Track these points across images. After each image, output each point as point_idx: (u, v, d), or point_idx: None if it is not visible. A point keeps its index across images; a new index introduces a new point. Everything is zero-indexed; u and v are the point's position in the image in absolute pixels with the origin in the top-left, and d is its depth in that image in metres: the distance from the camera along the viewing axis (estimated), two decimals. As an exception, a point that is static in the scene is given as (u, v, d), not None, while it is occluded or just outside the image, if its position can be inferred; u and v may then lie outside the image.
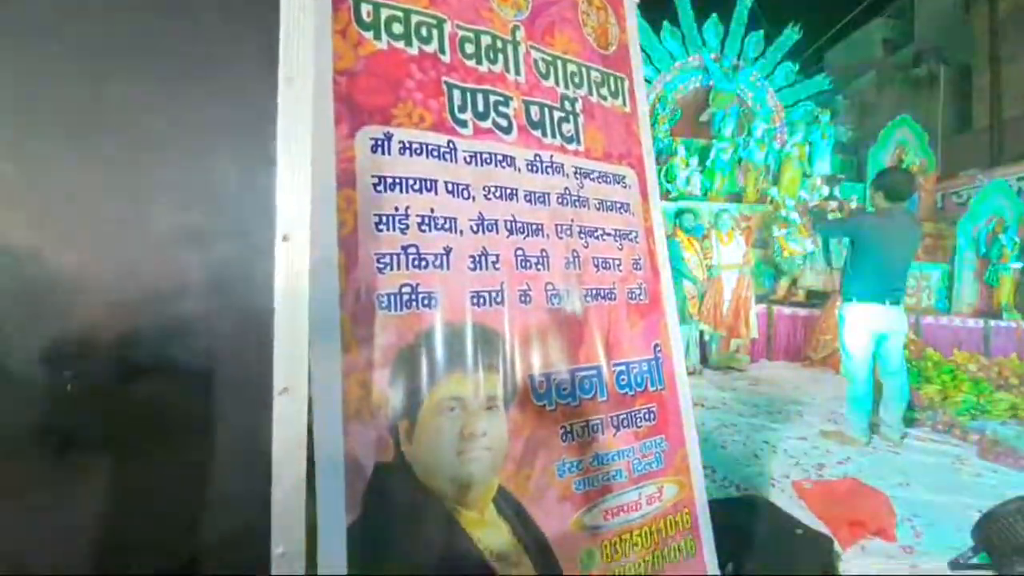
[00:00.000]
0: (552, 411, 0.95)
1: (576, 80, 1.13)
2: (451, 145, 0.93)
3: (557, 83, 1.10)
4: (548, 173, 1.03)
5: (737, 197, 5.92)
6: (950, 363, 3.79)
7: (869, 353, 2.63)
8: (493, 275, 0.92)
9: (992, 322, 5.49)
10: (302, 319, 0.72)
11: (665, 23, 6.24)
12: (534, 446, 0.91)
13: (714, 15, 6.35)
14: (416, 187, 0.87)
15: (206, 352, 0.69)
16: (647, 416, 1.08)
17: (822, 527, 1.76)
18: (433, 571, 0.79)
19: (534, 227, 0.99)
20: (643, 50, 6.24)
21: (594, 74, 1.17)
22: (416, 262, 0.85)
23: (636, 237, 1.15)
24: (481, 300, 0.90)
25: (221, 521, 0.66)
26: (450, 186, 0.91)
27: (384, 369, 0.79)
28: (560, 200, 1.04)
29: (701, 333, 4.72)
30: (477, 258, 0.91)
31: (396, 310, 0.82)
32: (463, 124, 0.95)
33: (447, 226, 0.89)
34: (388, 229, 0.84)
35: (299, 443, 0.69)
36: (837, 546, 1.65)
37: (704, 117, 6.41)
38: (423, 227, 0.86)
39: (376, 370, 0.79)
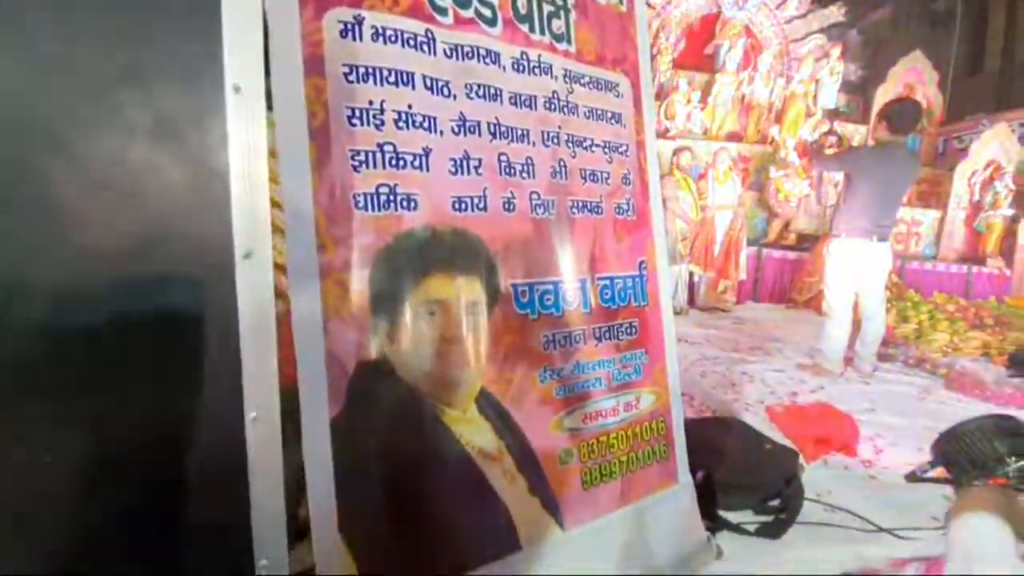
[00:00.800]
0: (535, 320, 0.95)
1: (569, -28, 1.03)
2: (429, 35, 0.86)
3: (548, -27, 1.00)
4: (535, 74, 0.97)
5: (737, 136, 5.74)
6: (929, 303, 3.89)
7: (853, 288, 2.68)
8: (475, 180, 0.89)
9: (975, 268, 5.60)
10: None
11: (674, -61, 5.72)
12: (516, 352, 0.92)
13: (727, -69, 5.82)
14: (391, 79, 0.82)
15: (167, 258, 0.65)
16: (629, 330, 1.10)
17: (790, 444, 1.87)
18: (417, 463, 0.82)
19: (519, 132, 0.94)
20: (649, -30, 5.74)
21: (589, -34, 1.07)
22: (393, 161, 0.81)
23: (626, 151, 1.11)
24: (463, 205, 0.87)
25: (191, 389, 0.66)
26: (428, 81, 0.85)
27: (363, 269, 0.78)
28: (548, 105, 0.99)
29: (691, 274, 4.76)
30: (459, 161, 0.87)
31: (374, 210, 0.79)
32: (442, 11, 0.87)
33: (426, 125, 0.84)
34: (362, 124, 0.79)
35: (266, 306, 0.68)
36: (802, 460, 1.75)
37: (709, 49, 6.06)
38: (400, 124, 0.81)
39: (355, 270, 0.77)
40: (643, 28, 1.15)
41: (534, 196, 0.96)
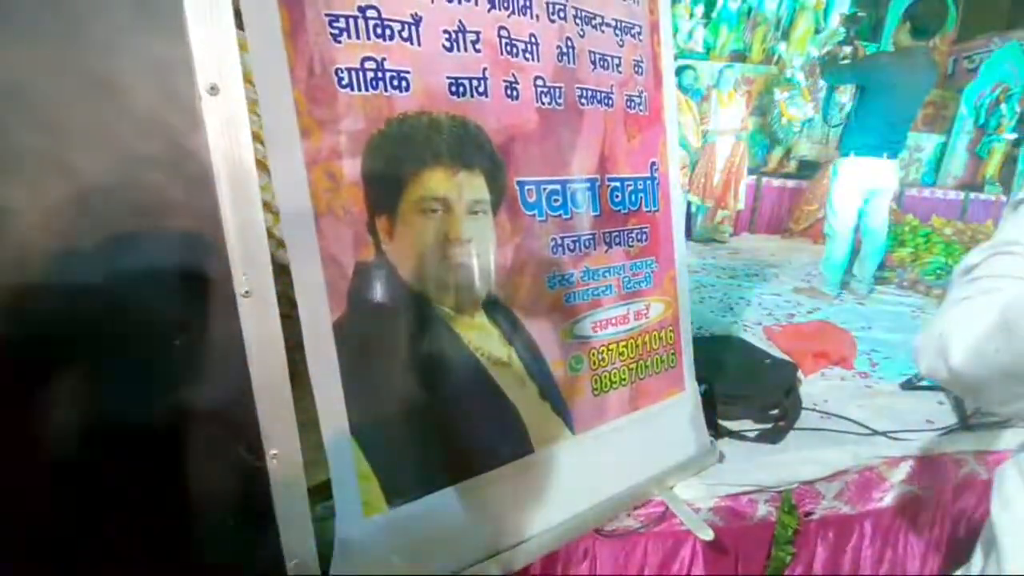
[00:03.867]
0: (543, 222, 0.89)
1: None
2: None
3: None
4: (540, -68, 0.83)
5: (741, 56, 5.40)
6: (927, 227, 3.86)
7: (857, 208, 2.63)
8: (474, 58, 0.78)
9: (972, 194, 5.54)
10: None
11: None
12: (524, 256, 0.87)
13: None
14: (371, -73, 0.69)
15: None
16: (639, 236, 1.04)
17: (788, 358, 1.90)
18: (426, 367, 0.79)
19: (521, 3, 0.82)
20: None
21: None
22: (378, 29, 0.70)
23: (640, 33, 0.99)
24: (461, 88, 0.77)
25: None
26: (415, -67, 0.72)
27: (354, 158, 0.70)
28: (553, -29, 0.86)
29: (689, 204, 4.66)
30: (453, 34, 0.76)
31: (360, 89, 0.70)
32: None
33: (415, -14, 0.72)
34: (340, -18, 0.67)
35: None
36: (800, 373, 1.78)
37: (716, -45, 5.52)
38: (384, -18, 0.70)
39: (345, 159, 0.69)
40: None
41: (539, 81, 0.86)
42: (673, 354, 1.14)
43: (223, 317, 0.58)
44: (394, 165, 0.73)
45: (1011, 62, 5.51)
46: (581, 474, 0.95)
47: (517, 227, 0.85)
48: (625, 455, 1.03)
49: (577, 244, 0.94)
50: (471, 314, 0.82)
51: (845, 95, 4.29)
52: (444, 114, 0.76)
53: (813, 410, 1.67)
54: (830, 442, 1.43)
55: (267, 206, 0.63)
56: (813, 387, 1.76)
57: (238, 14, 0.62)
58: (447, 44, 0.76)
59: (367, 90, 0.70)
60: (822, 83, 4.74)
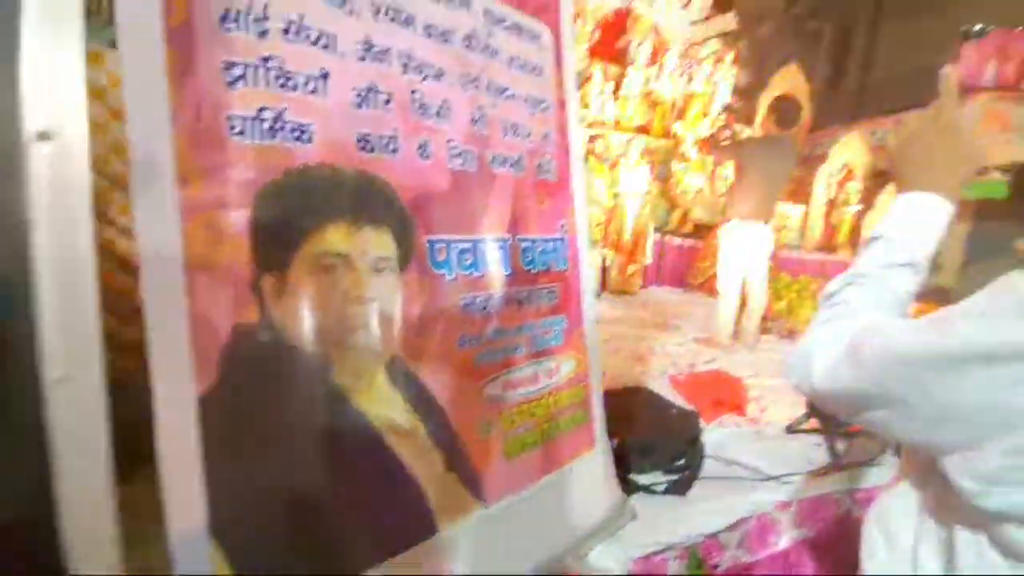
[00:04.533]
0: (452, 281, 0.87)
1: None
2: (328, -61, 0.72)
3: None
4: (453, 6, 0.87)
5: (644, 129, 6.08)
6: (797, 283, 4.48)
7: (741, 267, 2.98)
8: (384, 117, 0.77)
9: (830, 256, 6.58)
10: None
11: (590, -70, 5.83)
12: (432, 315, 0.84)
13: (638, -70, 6.07)
14: (279, -18, 0.67)
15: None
16: (549, 295, 1.06)
17: (691, 408, 2.02)
18: (313, 445, 0.70)
19: (435, 70, 0.84)
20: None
21: (511, -97, 0.99)
22: (281, 80, 0.67)
23: (547, 108, 1.06)
24: (370, 145, 0.76)
25: None
26: (327, -8, 0.72)
27: (241, 209, 0.64)
28: (467, 43, 0.90)
29: (604, 258, 4.97)
30: (364, 92, 0.75)
31: (255, 139, 0.65)
32: (344, -85, 0.74)
33: (324, 43, 0.71)
34: (240, 29, 0.64)
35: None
36: (702, 421, 1.89)
37: (621, 43, 6.31)
38: (290, 35, 0.68)
39: (229, 209, 0.63)
40: (566, -18, 1.10)
41: (452, 144, 0.87)
42: (584, 411, 1.15)
43: (29, 408, 0.47)
44: (289, 218, 0.68)
45: (854, 149, 6.81)
46: (492, 552, 0.89)
47: (426, 285, 0.83)
48: (540, 525, 0.99)
49: (488, 303, 0.93)
50: (371, 379, 0.76)
51: (728, 169, 4.99)
52: (351, 168, 0.73)
53: (714, 457, 1.77)
54: (730, 489, 1.51)
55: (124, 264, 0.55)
56: (712, 435, 1.88)
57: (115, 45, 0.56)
58: (357, 101, 0.74)
59: (263, 140, 0.66)
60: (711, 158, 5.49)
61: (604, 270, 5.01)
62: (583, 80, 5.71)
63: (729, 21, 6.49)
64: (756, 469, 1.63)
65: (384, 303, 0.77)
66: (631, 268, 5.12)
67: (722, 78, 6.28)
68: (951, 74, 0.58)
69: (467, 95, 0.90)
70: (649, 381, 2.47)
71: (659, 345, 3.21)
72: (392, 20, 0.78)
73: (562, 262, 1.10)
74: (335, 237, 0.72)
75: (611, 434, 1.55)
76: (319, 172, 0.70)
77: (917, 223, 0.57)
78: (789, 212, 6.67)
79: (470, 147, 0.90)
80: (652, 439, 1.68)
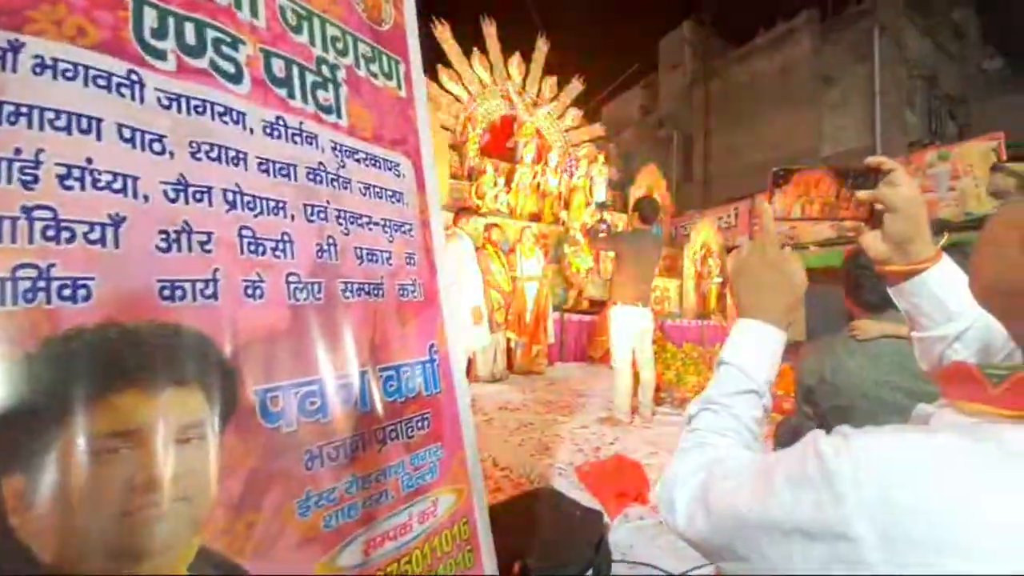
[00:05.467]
0: (291, 432, 0.76)
1: (339, 46, 0.98)
2: (135, 78, 0.67)
3: (313, 43, 0.93)
4: (295, 142, 0.85)
5: (537, 217, 6.59)
6: (681, 352, 4.87)
7: (630, 346, 3.17)
8: (201, 259, 0.69)
9: (705, 321, 7.38)
10: None
11: (475, 50, 6.62)
12: (262, 482, 0.70)
13: (517, 53, 7.03)
14: (61, 124, 0.59)
15: None
16: (420, 424, 0.98)
17: (596, 503, 1.96)
18: None
19: (272, 204, 0.79)
20: (456, 71, 6.43)
21: (363, 47, 1.04)
22: (50, 233, 0.56)
23: (410, 230, 1.06)
24: (178, 292, 0.66)
25: None
26: (128, 132, 0.65)
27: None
28: (312, 177, 0.87)
29: (508, 340, 5.01)
30: (173, 234, 0.67)
31: (6, 303, 0.52)
32: (159, 55, 0.70)
33: (119, 186, 0.63)
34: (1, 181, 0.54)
35: None
36: (606, 518, 1.84)
37: (510, 144, 6.99)
38: (67, 183, 0.58)
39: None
40: (423, 114, 1.16)
41: (293, 279, 0.80)
42: (470, 551, 1.03)
43: None
44: (45, 399, 0.53)
45: (708, 231, 7.97)
46: None
47: (253, 446, 0.70)
48: None
49: (341, 451, 0.82)
50: (168, 588, 0.59)
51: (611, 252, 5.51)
52: (147, 323, 0.62)
53: (622, 561, 1.70)
54: None
55: None
56: (618, 533, 1.82)
57: None
58: (163, 245, 0.66)
59: (17, 304, 0.53)
60: (597, 242, 6.05)
61: (510, 352, 5.04)
62: (478, 174, 6.12)
63: (597, 129, 7.63)
64: (662, 570, 1.58)
65: (190, 483, 0.62)
66: (536, 348, 5.21)
67: (597, 173, 7.16)
68: (767, 211, 0.65)
69: (313, 226, 0.85)
70: (556, 476, 2.40)
71: (566, 430, 3.19)
72: (216, 159, 0.73)
73: (433, 384, 1.03)
74: (122, 410, 0.58)
75: (514, 554, 1.43)
76: (96, 335, 0.58)
77: (753, 350, 0.60)
78: (668, 286, 7.48)
79: (316, 279, 0.84)
80: (557, 553, 1.58)
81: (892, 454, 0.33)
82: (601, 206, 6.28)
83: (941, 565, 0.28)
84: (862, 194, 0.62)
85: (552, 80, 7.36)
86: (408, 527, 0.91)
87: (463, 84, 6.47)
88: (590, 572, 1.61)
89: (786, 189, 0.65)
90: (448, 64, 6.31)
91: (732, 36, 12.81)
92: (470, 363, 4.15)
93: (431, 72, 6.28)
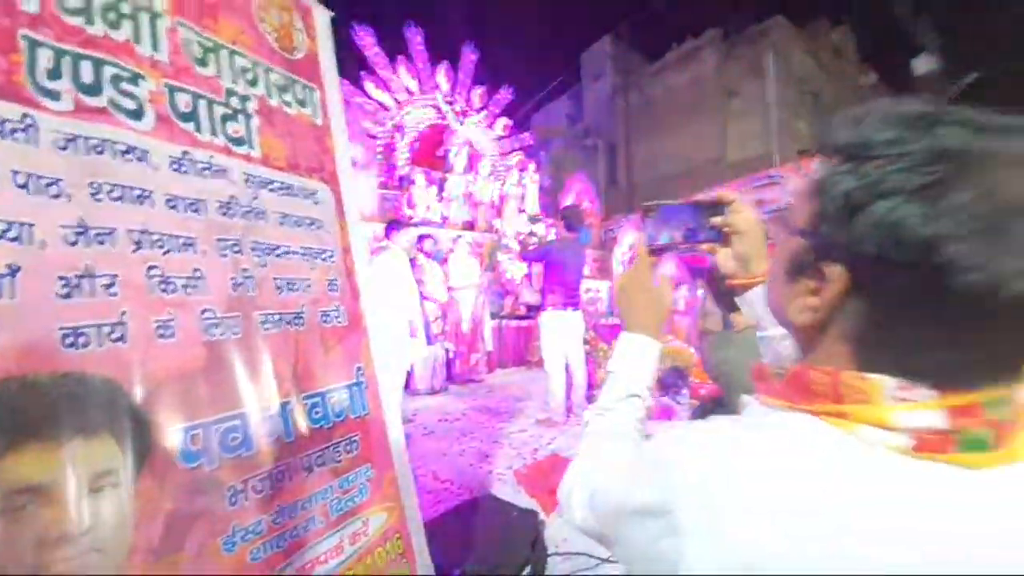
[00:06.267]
0: (213, 470, 0.76)
1: (249, 77, 0.99)
2: (28, 121, 0.65)
3: (221, 75, 0.93)
4: (204, 176, 0.85)
5: (471, 225, 6.65)
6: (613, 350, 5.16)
7: (561, 349, 3.32)
8: (106, 302, 0.68)
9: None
10: None
11: (401, 58, 6.56)
12: (183, 523, 0.70)
13: (445, 62, 7.06)
14: (-62, 174, 0.57)
15: None
16: (348, 447, 1.00)
17: (533, 503, 2.06)
18: None
19: (181, 241, 0.79)
20: (382, 78, 6.32)
21: (275, 76, 1.05)
22: (-70, 289, 0.54)
23: (331, 256, 1.08)
24: (81, 339, 0.65)
25: None
26: (23, 177, 0.63)
27: None
28: (224, 210, 0.87)
29: (447, 351, 5.01)
30: (74, 280, 0.65)
31: None
32: (52, 96, 0.68)
33: (13, 235, 0.61)
34: None
35: None
36: (542, 515, 1.93)
37: (440, 152, 6.99)
38: (-51, 235, 0.56)
39: None
40: (341, 141, 1.19)
41: (207, 315, 0.80)
42: (405, 565, 1.06)
43: None
44: (-68, 464, 0.52)
45: (633, 233, 8.49)
46: None
47: (172, 489, 0.70)
48: None
49: (266, 483, 0.83)
50: (82, 641, 0.58)
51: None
52: (48, 374, 0.61)
53: (556, 553, 1.80)
54: None
55: None
56: (553, 528, 1.92)
57: None
58: (63, 292, 0.64)
59: None
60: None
61: (449, 362, 5.04)
62: (408, 183, 6.07)
63: (526, 138, 7.84)
64: (593, 556, 1.70)
65: (105, 531, 0.62)
66: (474, 357, 5.25)
67: (529, 182, 7.37)
68: (640, 241, 0.75)
69: (227, 260, 0.86)
70: (496, 482, 2.47)
71: (504, 436, 3.27)
72: (119, 199, 0.72)
73: (361, 407, 1.06)
74: (24, 466, 0.57)
75: (453, 562, 1.48)
76: (-9, 392, 0.56)
77: (634, 359, 0.70)
78: (599, 287, 7.87)
79: (233, 313, 0.84)
80: (496, 556, 1.65)
81: (704, 441, 0.43)
82: (532, 219, 6.52)
83: (742, 523, 0.38)
84: (714, 220, 0.75)
85: (481, 90, 7.48)
86: (340, 549, 0.93)
87: (390, 92, 6.39)
88: (528, 570, 1.69)
89: (654, 220, 0.77)
90: (372, 71, 6.21)
91: (647, 51, 13.78)
92: (409, 377, 4.11)
93: (355, 80, 6.15)
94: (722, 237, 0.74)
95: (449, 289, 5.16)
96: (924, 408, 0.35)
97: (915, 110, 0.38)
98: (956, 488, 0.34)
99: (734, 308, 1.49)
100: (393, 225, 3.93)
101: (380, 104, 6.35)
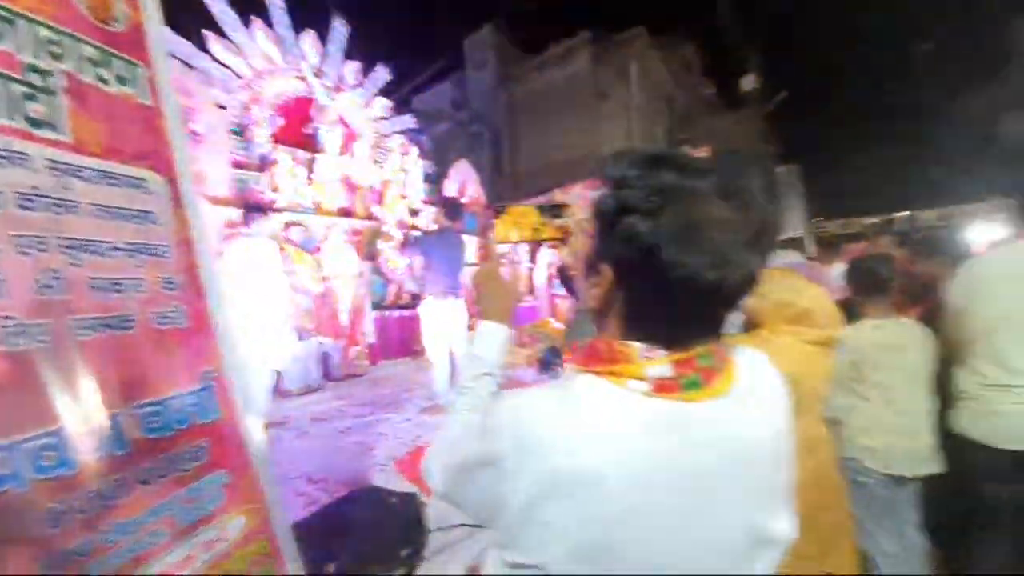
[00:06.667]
0: (22, 493, 0.68)
1: (54, 50, 0.86)
2: None
3: (18, 48, 0.79)
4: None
5: (348, 212, 6.27)
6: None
7: (443, 337, 3.40)
8: None
9: (521, 304, 8.26)
10: None
11: (258, 22, 5.84)
12: (-20, 556, 0.62)
13: (312, 31, 6.45)
14: None
15: None
16: (195, 455, 0.95)
17: (412, 488, 2.12)
18: None
19: (-37, 239, 0.68)
20: (234, 43, 5.59)
21: (88, 50, 0.92)
22: None
23: (165, 252, 0.99)
24: None
25: None
26: None
27: None
28: (23, 203, 0.76)
29: (321, 346, 4.74)
30: None
31: None
32: None
33: None
34: None
35: None
36: (422, 497, 2.00)
37: (309, 130, 6.43)
38: None
39: None
40: (177, 124, 1.08)
41: (9, 322, 0.70)
42: (271, 565, 1.05)
43: None
44: None
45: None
46: None
47: (-38, 521, 0.62)
48: None
49: (95, 501, 0.76)
50: None
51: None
52: None
53: (439, 529, 1.90)
54: (456, 553, 1.64)
55: None
56: (434, 506, 2.01)
57: None
58: None
59: None
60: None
61: (325, 358, 4.78)
62: (271, 163, 5.50)
63: (408, 120, 7.57)
64: (468, 523, 1.83)
65: None
66: (354, 350, 5.06)
67: (411, 167, 7.17)
68: (491, 238, 0.85)
69: (28, 259, 0.75)
70: (377, 473, 2.47)
71: (389, 427, 3.25)
72: None
73: (210, 412, 1.01)
74: None
75: (329, 555, 1.48)
76: None
77: (487, 344, 0.80)
78: (484, 274, 8.10)
79: (40, 320, 0.75)
80: (374, 545, 1.68)
81: (520, 403, 0.54)
82: (413, 212, 6.39)
83: (548, 460, 0.49)
84: (556, 222, 0.88)
85: (355, 66, 7.00)
86: (192, 559, 0.89)
87: (243, 58, 5.65)
88: (407, 550, 1.76)
89: (503, 219, 0.87)
90: (222, 34, 5.42)
91: (528, 46, 14.24)
92: (279, 377, 3.80)
93: (201, 42, 5.33)
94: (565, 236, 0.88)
95: (324, 280, 4.86)
96: (660, 363, 0.51)
97: (650, 154, 0.53)
98: (680, 413, 0.50)
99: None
100: (253, 210, 3.56)
101: (232, 71, 5.61)
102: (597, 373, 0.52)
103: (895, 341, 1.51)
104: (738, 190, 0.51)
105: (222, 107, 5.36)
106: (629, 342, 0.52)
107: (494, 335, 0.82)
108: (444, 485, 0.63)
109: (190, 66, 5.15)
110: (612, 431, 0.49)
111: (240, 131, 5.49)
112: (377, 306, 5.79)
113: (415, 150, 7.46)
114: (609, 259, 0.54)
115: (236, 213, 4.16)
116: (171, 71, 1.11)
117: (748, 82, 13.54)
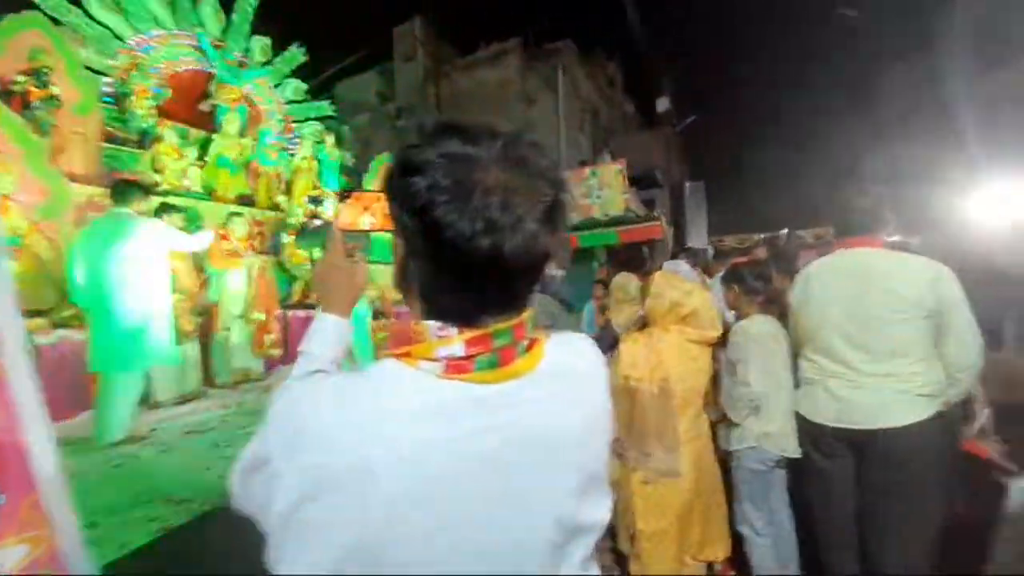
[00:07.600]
0: None
1: None
2: None
3: None
4: None
5: (249, 200, 5.74)
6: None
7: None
8: None
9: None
10: None
11: (146, -22, 5.15)
12: None
13: (213, -2, 5.82)
14: None
15: None
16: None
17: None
18: None
19: None
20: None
21: None
22: None
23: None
24: None
25: None
26: None
27: None
28: None
29: (203, 347, 4.26)
30: None
31: None
32: None
33: None
34: None
35: None
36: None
37: (205, 107, 5.81)
38: None
39: None
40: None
41: None
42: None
43: None
44: None
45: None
46: None
47: None
48: None
49: None
50: None
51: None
52: None
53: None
54: None
55: None
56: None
57: None
58: None
59: None
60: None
61: (206, 361, 4.29)
62: (154, 140, 4.87)
63: (324, 107, 7.04)
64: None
65: None
66: (268, 339, 4.64)
67: (325, 157, 6.67)
68: (336, 227, 0.77)
69: None
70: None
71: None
72: None
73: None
74: None
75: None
76: None
77: (323, 338, 0.71)
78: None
79: None
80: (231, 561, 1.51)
81: (300, 395, 0.48)
82: (314, 200, 5.94)
83: (312, 455, 0.44)
84: None
85: (265, 42, 6.42)
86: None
87: (125, 17, 4.96)
88: None
89: (349, 204, 0.81)
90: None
91: (458, 45, 14.12)
92: (148, 386, 3.34)
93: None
94: None
95: (207, 277, 4.38)
96: (452, 342, 0.47)
97: (439, 122, 0.49)
98: (470, 396, 0.47)
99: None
100: (123, 187, 3.08)
101: (111, 32, 4.91)
102: (397, 356, 0.49)
103: (776, 333, 1.74)
104: (523, 160, 0.47)
105: (96, 71, 4.67)
106: (423, 321, 0.49)
107: (332, 328, 0.74)
108: (233, 493, 0.56)
109: (57, 21, 4.42)
110: (388, 420, 0.45)
111: (114, 100, 4.81)
112: (280, 304, 5.35)
113: (331, 139, 6.95)
114: (399, 228, 0.50)
115: (101, 192, 3.63)
116: None
117: (662, 103, 14.60)
